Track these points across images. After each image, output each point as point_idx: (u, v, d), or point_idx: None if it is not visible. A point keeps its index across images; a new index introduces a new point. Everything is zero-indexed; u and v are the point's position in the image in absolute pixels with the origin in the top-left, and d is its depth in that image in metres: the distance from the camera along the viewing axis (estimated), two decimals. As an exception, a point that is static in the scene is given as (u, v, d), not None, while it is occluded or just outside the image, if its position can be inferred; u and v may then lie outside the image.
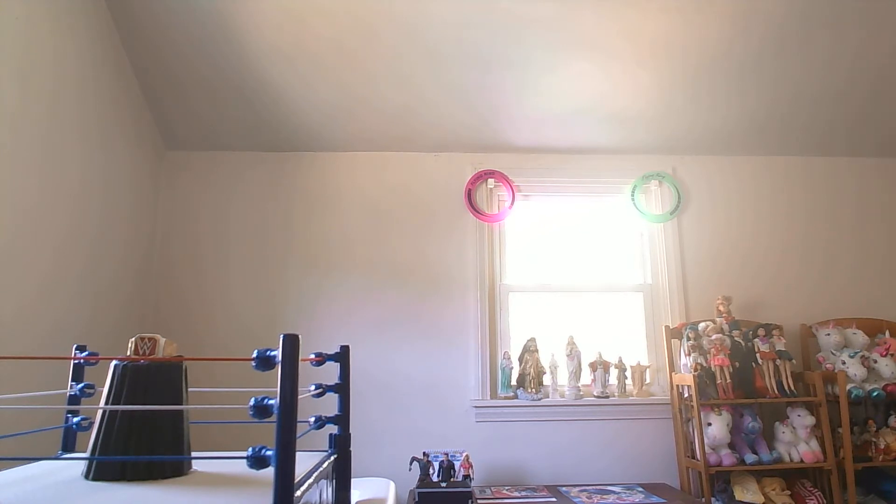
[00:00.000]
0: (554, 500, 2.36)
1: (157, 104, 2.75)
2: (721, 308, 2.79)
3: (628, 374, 2.82)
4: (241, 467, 0.97)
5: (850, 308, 2.99)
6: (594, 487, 2.60)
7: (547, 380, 2.79)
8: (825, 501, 2.46)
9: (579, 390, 2.77)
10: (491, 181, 3.02)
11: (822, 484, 2.56)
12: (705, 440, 2.49)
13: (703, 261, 3.01)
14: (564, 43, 2.49)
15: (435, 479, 2.36)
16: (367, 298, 2.87)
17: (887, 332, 2.82)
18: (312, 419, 1.06)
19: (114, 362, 0.91)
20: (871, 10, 2.37)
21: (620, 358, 2.84)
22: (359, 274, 2.89)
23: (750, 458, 2.48)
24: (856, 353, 2.64)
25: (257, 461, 0.69)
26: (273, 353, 0.72)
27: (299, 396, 0.69)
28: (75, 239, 2.26)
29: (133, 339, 0.95)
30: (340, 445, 1.09)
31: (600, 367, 2.79)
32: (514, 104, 2.78)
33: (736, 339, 2.68)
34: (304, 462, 0.92)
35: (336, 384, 1.11)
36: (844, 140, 3.07)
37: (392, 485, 2.31)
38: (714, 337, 2.63)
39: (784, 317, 2.95)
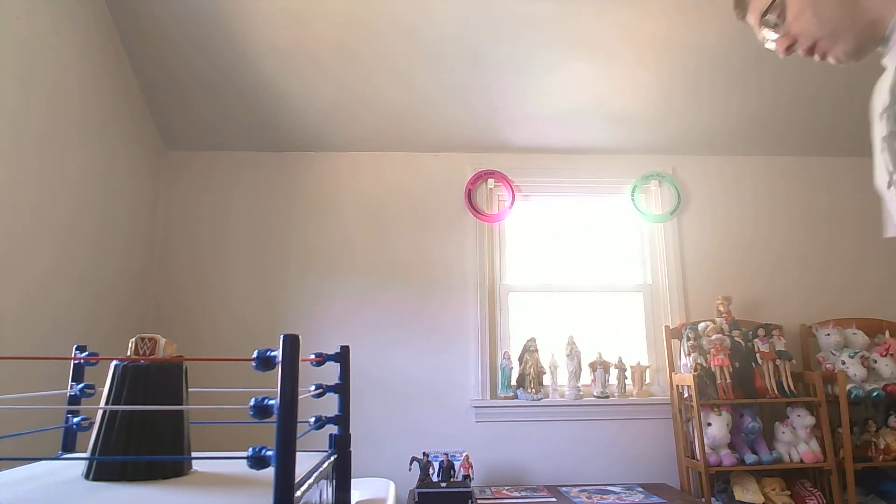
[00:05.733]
0: (554, 500, 2.36)
1: (157, 104, 2.75)
2: (721, 308, 2.78)
3: (628, 374, 2.82)
4: (241, 467, 0.97)
5: (849, 308, 2.99)
6: (594, 487, 2.60)
7: (547, 380, 2.79)
8: (825, 501, 2.46)
9: (579, 390, 2.77)
10: (491, 181, 3.02)
11: (822, 484, 2.56)
12: (705, 440, 2.49)
13: (703, 261, 3.01)
14: (565, 43, 2.49)
15: (435, 479, 2.36)
16: (367, 298, 2.87)
17: (887, 332, 2.82)
18: (312, 419, 1.06)
19: (114, 362, 0.91)
20: (871, 10, 2.37)
21: (620, 358, 2.83)
22: (359, 274, 2.89)
23: (750, 458, 2.48)
24: (856, 353, 2.64)
25: (257, 461, 0.69)
26: (273, 354, 0.71)
27: (299, 396, 0.69)
28: (75, 239, 2.26)
29: (133, 339, 0.95)
30: (340, 445, 1.08)
31: (600, 367, 2.79)
32: (514, 104, 2.78)
33: (736, 339, 2.68)
34: (304, 462, 0.92)
35: (336, 384, 1.11)
36: (844, 140, 3.07)
37: (392, 485, 2.31)
38: (714, 337, 2.63)
39: (784, 317, 2.95)
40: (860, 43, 0.91)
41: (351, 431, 1.11)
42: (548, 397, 2.77)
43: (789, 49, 0.95)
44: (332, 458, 1.05)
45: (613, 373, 2.83)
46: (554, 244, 3.08)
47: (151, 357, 0.93)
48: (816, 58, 0.95)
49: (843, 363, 2.63)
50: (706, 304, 2.93)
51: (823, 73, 2.64)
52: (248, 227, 2.93)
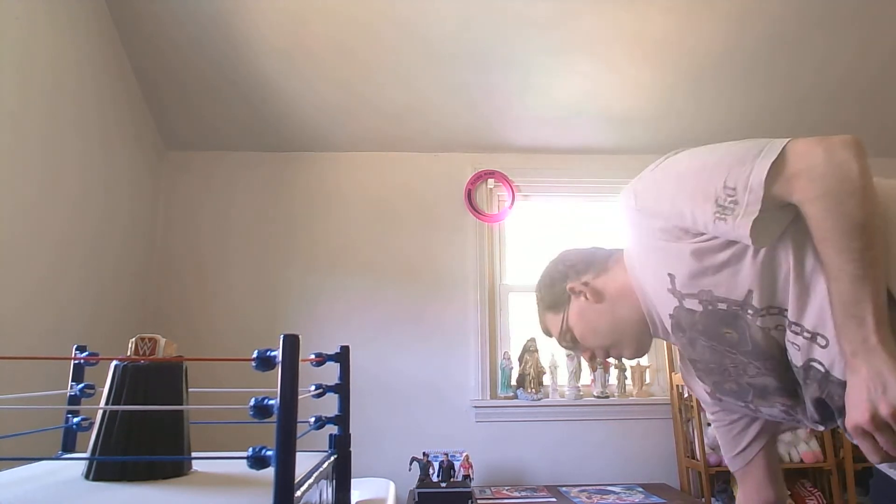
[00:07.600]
0: (554, 500, 2.36)
1: (157, 104, 2.75)
2: (721, 308, 2.78)
3: (628, 374, 2.82)
4: (241, 467, 0.96)
5: (850, 308, 2.98)
6: (594, 487, 2.60)
7: (547, 380, 2.79)
8: (825, 501, 2.46)
9: (579, 390, 2.77)
10: (491, 181, 3.02)
11: (822, 484, 2.56)
12: (705, 440, 2.49)
13: (703, 261, 3.00)
14: (565, 43, 2.49)
15: (435, 479, 2.36)
16: (367, 298, 2.86)
17: (887, 333, 2.81)
18: (312, 419, 1.06)
19: (114, 362, 0.91)
20: (870, 9, 2.37)
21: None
22: (359, 274, 2.89)
23: (750, 458, 2.48)
24: (856, 353, 2.64)
25: (257, 461, 0.69)
26: (273, 354, 0.71)
27: (299, 396, 0.69)
28: (75, 239, 2.26)
29: (133, 339, 0.94)
30: (340, 445, 1.08)
31: (600, 366, 2.79)
32: (514, 104, 2.78)
33: (736, 339, 2.67)
34: (304, 462, 0.92)
35: (336, 384, 1.10)
36: (844, 140, 3.07)
37: (392, 485, 2.30)
38: (714, 337, 2.62)
39: (784, 317, 2.94)
40: (639, 341, 1.06)
41: (351, 431, 1.11)
42: (548, 397, 2.77)
43: (592, 358, 1.11)
44: (332, 458, 1.05)
45: (613, 373, 2.83)
46: (554, 244, 3.07)
47: (151, 357, 0.93)
48: (614, 360, 1.15)
49: (843, 363, 2.63)
50: (706, 304, 2.92)
51: (822, 73, 2.64)
52: (248, 227, 2.93)
